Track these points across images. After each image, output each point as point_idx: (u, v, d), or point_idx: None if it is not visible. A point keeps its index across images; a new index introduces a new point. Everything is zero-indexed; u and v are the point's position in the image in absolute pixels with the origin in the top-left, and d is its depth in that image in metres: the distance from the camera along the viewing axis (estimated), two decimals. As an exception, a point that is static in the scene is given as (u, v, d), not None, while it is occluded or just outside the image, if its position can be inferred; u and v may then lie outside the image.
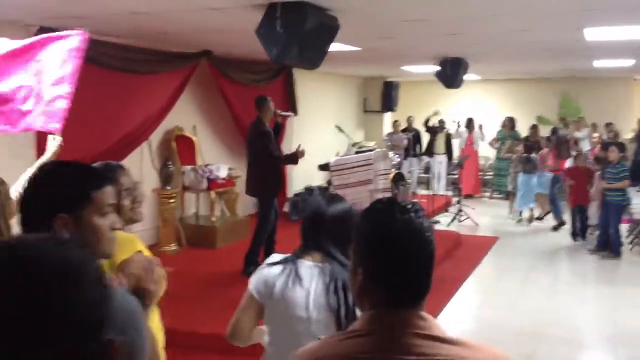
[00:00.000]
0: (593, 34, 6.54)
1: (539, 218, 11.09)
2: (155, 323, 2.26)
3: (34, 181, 1.74)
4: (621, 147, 8.83)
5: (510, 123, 12.92)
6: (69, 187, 1.69)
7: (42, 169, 1.79)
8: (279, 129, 7.06)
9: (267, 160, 6.65)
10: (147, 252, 2.34)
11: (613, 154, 8.55)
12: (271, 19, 4.20)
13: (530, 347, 5.51)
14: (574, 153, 10.18)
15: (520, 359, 5.27)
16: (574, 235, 9.61)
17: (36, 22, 5.66)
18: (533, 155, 10.74)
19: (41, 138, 6.07)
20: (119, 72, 6.75)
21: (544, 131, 12.70)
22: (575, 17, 5.41)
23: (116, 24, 5.62)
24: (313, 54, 4.68)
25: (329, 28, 4.64)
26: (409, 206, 1.47)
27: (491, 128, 13.80)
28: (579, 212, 9.55)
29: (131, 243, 2.29)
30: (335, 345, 1.43)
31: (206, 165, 8.18)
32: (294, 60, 4.47)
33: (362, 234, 1.47)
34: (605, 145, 9.27)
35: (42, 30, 5.79)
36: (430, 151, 13.28)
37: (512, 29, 6.11)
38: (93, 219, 1.69)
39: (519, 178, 10.89)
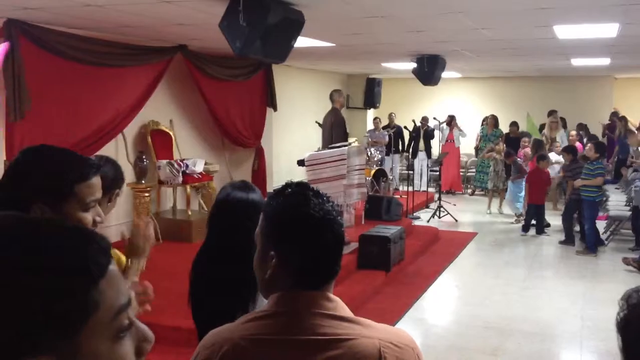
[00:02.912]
0: (564, 31, 6.60)
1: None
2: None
3: (16, 164, 1.60)
4: (600, 146, 8.93)
5: (493, 121, 12.99)
6: (53, 176, 1.56)
7: (26, 152, 1.62)
8: None
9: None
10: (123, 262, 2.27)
11: (590, 152, 8.67)
12: (234, 12, 4.22)
13: (497, 342, 5.56)
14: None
15: (486, 353, 5.34)
16: (526, 228, 9.88)
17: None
18: (517, 160, 10.82)
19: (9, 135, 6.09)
20: (88, 65, 6.74)
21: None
22: (532, 14, 5.46)
23: (76, 16, 5.61)
24: (278, 47, 4.70)
25: (293, 22, 4.66)
26: (320, 191, 1.50)
27: (473, 125, 13.88)
28: (536, 210, 9.79)
29: (115, 255, 2.22)
30: (244, 327, 1.45)
31: (182, 160, 8.18)
32: (258, 53, 4.48)
33: (274, 217, 1.48)
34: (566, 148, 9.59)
35: (11, 22, 5.81)
36: (414, 150, 13.33)
37: (472, 26, 6.15)
38: (74, 212, 1.58)
39: (512, 186, 11.03)
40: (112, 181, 2.18)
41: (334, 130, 9.08)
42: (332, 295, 1.46)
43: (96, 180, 1.63)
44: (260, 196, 2.28)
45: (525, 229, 9.93)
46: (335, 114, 9.27)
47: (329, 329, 1.39)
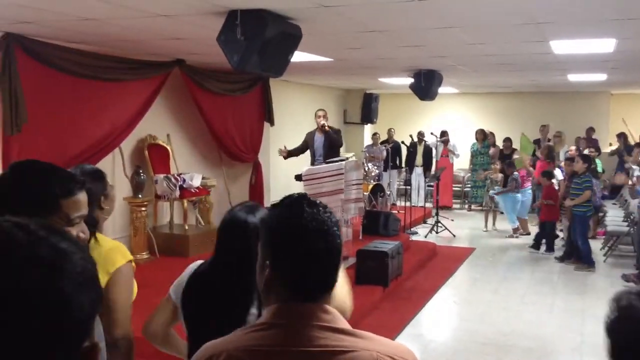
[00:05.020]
0: (561, 47, 6.62)
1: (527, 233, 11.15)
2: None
3: (2, 180, 1.62)
4: (586, 158, 8.94)
5: (481, 135, 13.13)
6: (38, 191, 1.58)
7: (14, 167, 1.64)
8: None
9: None
10: (118, 267, 2.35)
11: (578, 165, 8.68)
12: (231, 26, 4.22)
13: (496, 358, 5.52)
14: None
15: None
16: (537, 246, 9.77)
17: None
18: (516, 174, 10.81)
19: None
20: (85, 79, 6.73)
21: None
22: (528, 29, 5.48)
23: (72, 30, 5.61)
24: (275, 62, 4.70)
25: (291, 37, 4.66)
26: (317, 202, 1.49)
27: (470, 141, 13.92)
28: (550, 227, 9.69)
29: (116, 257, 2.32)
30: (239, 338, 1.44)
31: (179, 174, 8.16)
32: (256, 68, 4.48)
33: (269, 227, 1.47)
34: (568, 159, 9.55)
35: (9, 36, 5.81)
36: (410, 165, 13.37)
37: (468, 41, 6.18)
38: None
39: (501, 200, 11.00)
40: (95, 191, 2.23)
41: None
42: (329, 307, 1.44)
43: (82, 197, 1.63)
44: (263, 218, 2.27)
45: (537, 246, 9.77)
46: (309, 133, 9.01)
47: (325, 340, 1.38)
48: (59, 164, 2.52)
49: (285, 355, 1.37)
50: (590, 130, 13.60)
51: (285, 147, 9.03)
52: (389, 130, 13.84)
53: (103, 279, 2.27)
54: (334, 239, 1.44)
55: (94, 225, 2.27)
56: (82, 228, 1.67)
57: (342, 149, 13.99)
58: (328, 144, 8.47)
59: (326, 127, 8.44)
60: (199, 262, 2.39)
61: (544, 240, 9.76)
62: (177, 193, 7.96)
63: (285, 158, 9.04)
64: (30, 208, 1.51)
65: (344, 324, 1.44)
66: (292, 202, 1.48)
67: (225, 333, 1.51)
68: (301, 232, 1.41)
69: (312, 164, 8.39)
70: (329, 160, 7.92)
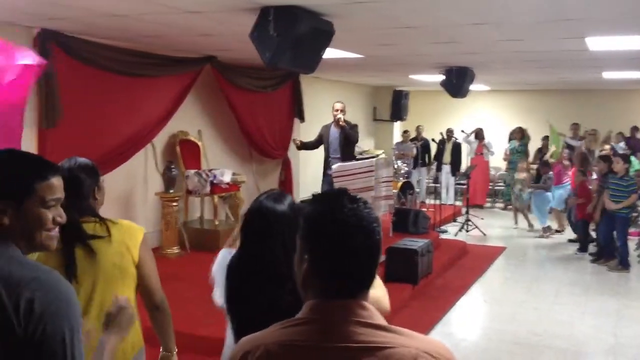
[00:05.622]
0: (597, 43, 6.50)
1: (559, 231, 10.98)
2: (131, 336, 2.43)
3: None
4: (626, 158, 8.73)
5: (519, 134, 12.98)
6: (13, 176, 1.69)
7: None
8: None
9: None
10: (141, 241, 2.54)
11: (618, 166, 8.45)
12: (264, 23, 4.23)
13: (528, 358, 5.46)
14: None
15: (516, 368, 5.24)
16: (584, 248, 9.51)
17: (31, 23, 5.75)
18: (550, 174, 10.63)
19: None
20: (119, 75, 6.82)
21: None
22: (563, 25, 5.39)
23: (103, 27, 5.68)
24: (307, 58, 4.69)
25: (323, 33, 4.65)
26: (358, 197, 1.48)
27: (501, 139, 13.76)
28: (584, 226, 9.49)
29: (136, 232, 2.56)
30: (276, 333, 1.44)
31: (210, 170, 8.22)
32: (288, 64, 4.48)
33: (308, 220, 1.46)
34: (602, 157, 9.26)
35: (45, 32, 5.90)
36: (439, 163, 13.28)
37: (501, 38, 6.10)
38: (34, 209, 1.69)
39: (533, 198, 10.84)
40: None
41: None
42: (367, 304, 1.43)
43: (56, 181, 1.75)
44: (290, 206, 2.27)
45: (583, 249, 9.47)
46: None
47: (364, 336, 1.36)
48: (92, 158, 2.62)
49: (322, 351, 1.36)
50: (635, 129, 13.32)
51: (299, 140, 8.76)
52: (418, 128, 13.75)
53: (134, 250, 2.52)
54: (374, 235, 1.43)
55: (94, 214, 2.51)
56: (59, 212, 1.76)
57: (371, 146, 14.04)
58: (343, 139, 7.94)
59: (341, 122, 7.87)
60: (227, 254, 2.40)
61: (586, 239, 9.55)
62: (208, 188, 8.01)
63: (298, 149, 8.88)
64: (8, 192, 1.66)
65: (382, 321, 1.42)
66: (332, 197, 1.46)
67: (262, 323, 1.50)
68: (341, 227, 1.40)
69: (326, 159, 8.05)
70: (360, 157, 7.87)
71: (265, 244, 2.18)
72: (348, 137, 7.89)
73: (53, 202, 1.74)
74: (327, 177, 7.98)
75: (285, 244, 2.08)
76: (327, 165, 8.03)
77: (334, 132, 8.01)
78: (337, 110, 7.90)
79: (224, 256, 2.42)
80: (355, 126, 8.07)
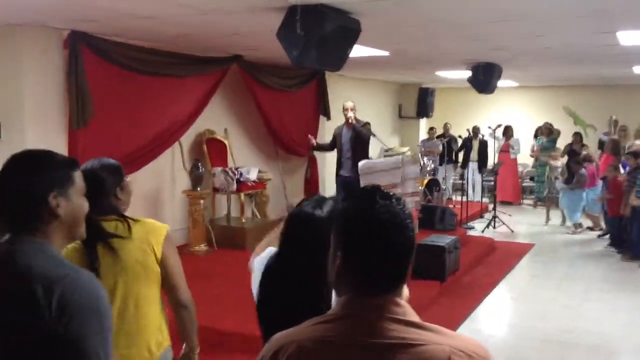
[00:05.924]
0: (628, 38, 6.40)
1: (590, 228, 10.82)
2: None
3: (11, 169, 1.71)
4: None
5: (547, 130, 12.85)
6: (55, 168, 1.72)
7: (15, 159, 1.73)
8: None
9: None
10: (164, 238, 2.55)
11: None
12: (291, 21, 4.24)
13: (558, 355, 5.41)
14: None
15: (546, 366, 5.19)
16: (618, 243, 9.32)
17: (61, 25, 5.84)
18: (582, 171, 10.46)
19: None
20: (147, 75, 6.90)
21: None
22: (594, 19, 5.30)
23: (134, 29, 5.75)
24: (334, 56, 4.69)
25: (350, 31, 4.65)
26: (391, 194, 1.48)
27: (527, 136, 13.60)
28: (619, 222, 9.31)
29: (159, 229, 2.56)
30: (309, 329, 1.44)
31: (236, 168, 8.27)
32: (314, 62, 4.49)
33: (341, 217, 1.46)
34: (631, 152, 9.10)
35: (75, 34, 6.00)
36: (465, 160, 13.19)
37: (533, 32, 6.03)
38: (77, 199, 1.74)
39: (565, 196, 10.70)
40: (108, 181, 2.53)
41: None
42: (400, 301, 1.43)
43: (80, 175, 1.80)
44: (330, 212, 2.27)
45: (618, 244, 9.25)
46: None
47: (396, 333, 1.36)
48: (120, 157, 2.67)
49: (355, 347, 1.36)
50: None
51: (314, 140, 8.65)
52: (445, 125, 13.67)
53: (157, 247, 2.51)
54: (407, 232, 1.42)
55: (116, 212, 2.50)
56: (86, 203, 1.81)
57: (397, 143, 13.99)
58: (355, 138, 7.77)
59: (350, 121, 7.73)
60: (268, 254, 2.41)
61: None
62: (234, 186, 8.07)
63: (313, 150, 8.81)
64: (55, 183, 1.70)
65: (415, 317, 1.42)
66: (365, 194, 1.46)
67: (290, 326, 1.51)
68: (373, 223, 1.40)
69: (339, 160, 8.00)
70: (387, 154, 7.84)
71: (301, 249, 2.19)
72: (359, 135, 7.80)
73: (84, 190, 1.79)
74: (339, 177, 7.97)
75: (322, 250, 2.09)
76: (339, 166, 8.02)
77: (346, 132, 7.98)
78: (347, 110, 7.83)
79: (269, 252, 2.42)
80: (366, 124, 7.96)
